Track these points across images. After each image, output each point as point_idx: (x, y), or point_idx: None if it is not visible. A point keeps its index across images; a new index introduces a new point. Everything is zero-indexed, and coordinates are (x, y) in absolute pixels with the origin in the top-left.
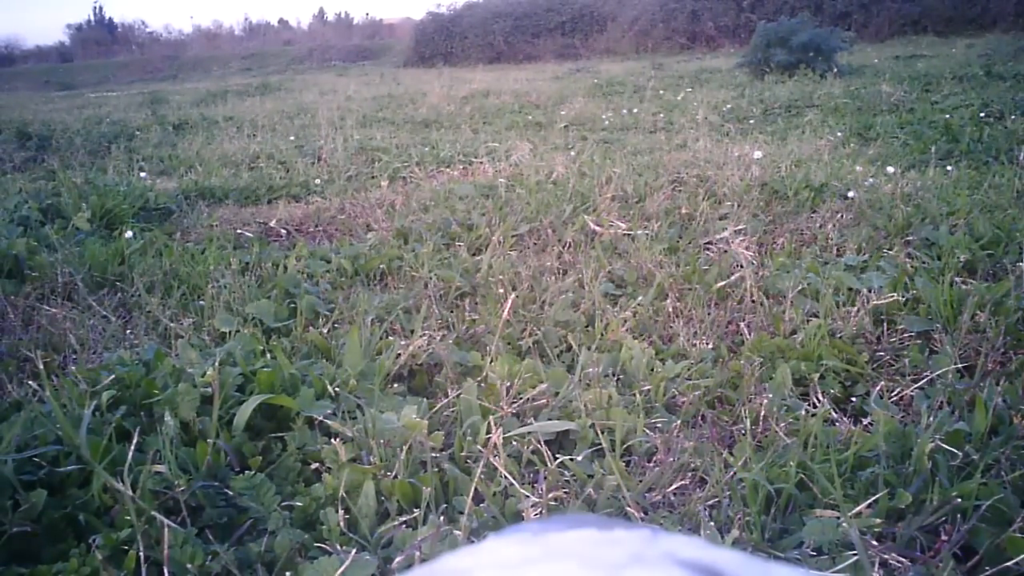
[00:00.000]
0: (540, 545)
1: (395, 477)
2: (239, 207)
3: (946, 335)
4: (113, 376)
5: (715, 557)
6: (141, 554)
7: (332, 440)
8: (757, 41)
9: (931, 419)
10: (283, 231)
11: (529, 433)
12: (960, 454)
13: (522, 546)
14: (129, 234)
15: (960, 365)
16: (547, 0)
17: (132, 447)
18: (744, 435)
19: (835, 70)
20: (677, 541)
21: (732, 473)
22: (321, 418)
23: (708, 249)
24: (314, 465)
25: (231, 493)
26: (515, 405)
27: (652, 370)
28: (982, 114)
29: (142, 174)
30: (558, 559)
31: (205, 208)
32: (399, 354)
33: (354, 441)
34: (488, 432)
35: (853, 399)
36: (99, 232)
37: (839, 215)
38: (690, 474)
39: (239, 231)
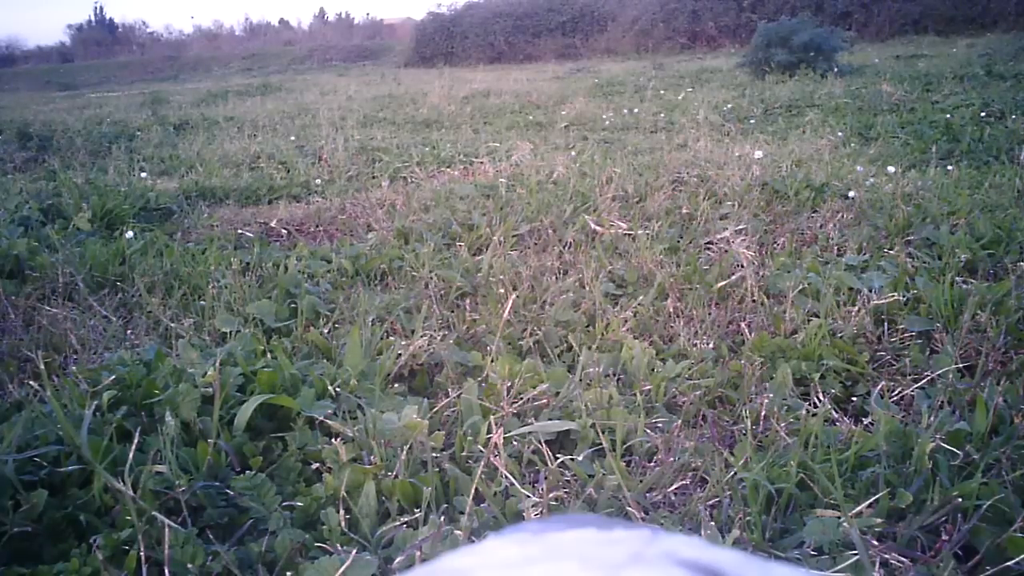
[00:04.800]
0: (540, 545)
1: (396, 477)
2: (240, 207)
3: (947, 335)
4: (114, 376)
5: (715, 557)
6: (142, 554)
7: (333, 440)
8: (758, 41)
9: (932, 419)
10: (284, 231)
11: (530, 433)
12: (961, 454)
13: (522, 546)
14: (130, 234)
15: (961, 365)
16: (548, 0)
17: (133, 447)
18: (745, 435)
19: (836, 70)
20: (677, 541)
21: (733, 473)
22: (322, 418)
23: (709, 249)
24: (315, 465)
25: (232, 493)
26: (516, 405)
27: (653, 370)
28: (983, 114)
29: (143, 174)
30: (558, 559)
31: (206, 208)
32: (400, 354)
33: (355, 441)
34: (489, 432)
35: (854, 399)
36: (100, 232)
37: (840, 215)
38: (691, 474)
39: (240, 231)
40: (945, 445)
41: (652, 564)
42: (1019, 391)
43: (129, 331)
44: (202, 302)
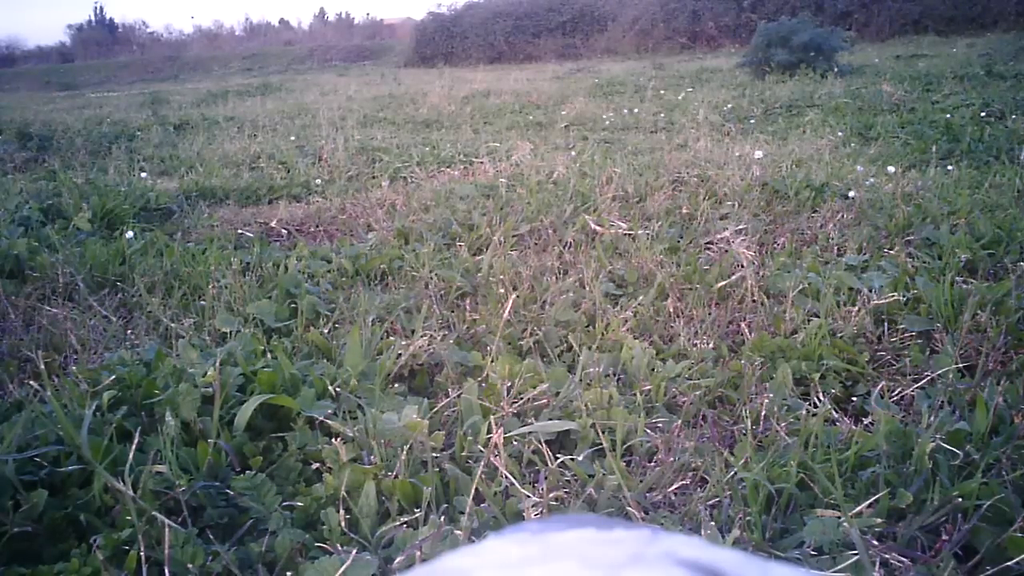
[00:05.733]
0: (540, 545)
1: (396, 477)
2: (240, 207)
3: (947, 335)
4: (114, 376)
5: (715, 557)
6: (142, 554)
7: (333, 440)
8: (758, 41)
9: (932, 419)
10: (284, 231)
11: (530, 433)
12: (961, 454)
13: (522, 546)
14: (130, 234)
15: (961, 365)
16: (548, 0)
17: (133, 447)
18: (745, 435)
19: (836, 70)
20: (677, 541)
21: (733, 473)
22: (322, 418)
23: (709, 249)
24: (315, 465)
25: (232, 493)
26: (516, 405)
27: (653, 370)
28: (983, 113)
29: (143, 174)
30: (558, 559)
31: (206, 208)
32: (400, 354)
33: (355, 441)
34: (489, 432)
35: (854, 399)
36: (100, 232)
37: (840, 215)
38: (691, 474)
39: (240, 231)
40: (945, 445)
41: (652, 564)
42: (1019, 391)
43: (129, 331)
44: (202, 302)
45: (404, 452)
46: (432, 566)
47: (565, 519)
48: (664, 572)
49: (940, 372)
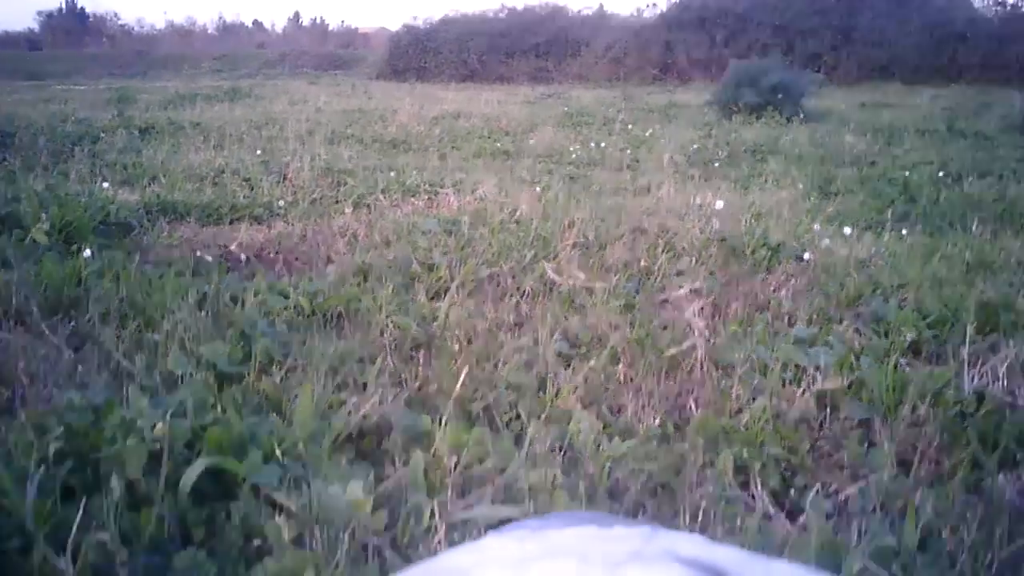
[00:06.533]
0: (539, 542)
1: (337, 567)
2: (200, 226)
3: (885, 425)
4: (62, 428)
5: (715, 555)
6: None
7: (277, 514)
8: (728, 80)
9: (864, 525)
10: (243, 256)
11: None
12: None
13: (521, 543)
14: (87, 253)
15: (896, 460)
16: (524, 20)
17: (79, 514)
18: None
19: (801, 115)
20: (676, 538)
21: None
22: (267, 490)
23: (664, 307)
24: (257, 542)
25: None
26: (462, 476)
27: (599, 446)
28: (940, 173)
29: (104, 184)
30: (557, 556)
31: (166, 225)
32: (350, 412)
33: (298, 518)
34: (432, 516)
35: (792, 490)
36: (57, 247)
37: (793, 279)
38: None
39: (199, 253)
40: (872, 566)
41: (652, 561)
42: (949, 495)
43: (80, 366)
44: (156, 336)
45: (347, 536)
46: (432, 564)
47: (564, 516)
48: (664, 569)
49: (876, 471)
